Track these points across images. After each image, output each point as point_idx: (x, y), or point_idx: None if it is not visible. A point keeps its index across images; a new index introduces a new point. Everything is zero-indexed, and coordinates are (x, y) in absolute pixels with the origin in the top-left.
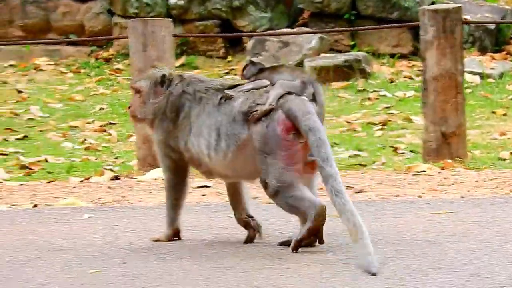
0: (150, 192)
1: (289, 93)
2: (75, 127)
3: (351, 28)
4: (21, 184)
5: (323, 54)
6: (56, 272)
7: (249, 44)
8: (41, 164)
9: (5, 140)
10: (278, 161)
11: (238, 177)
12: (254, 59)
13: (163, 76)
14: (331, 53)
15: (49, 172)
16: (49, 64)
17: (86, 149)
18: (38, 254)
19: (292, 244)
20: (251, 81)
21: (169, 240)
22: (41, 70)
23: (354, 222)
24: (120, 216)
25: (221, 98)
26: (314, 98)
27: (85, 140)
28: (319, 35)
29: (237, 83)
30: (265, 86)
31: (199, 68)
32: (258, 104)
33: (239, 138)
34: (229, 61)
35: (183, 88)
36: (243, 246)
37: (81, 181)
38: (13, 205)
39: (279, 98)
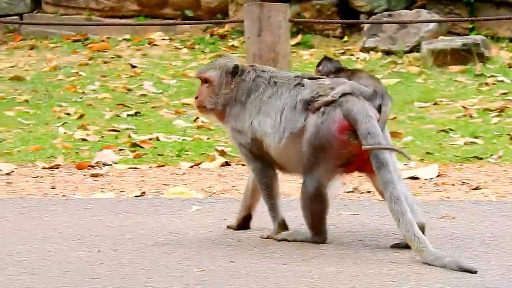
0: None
1: (354, 95)
2: (188, 104)
3: (467, 18)
4: (130, 168)
5: (441, 37)
6: (160, 269)
7: (366, 25)
8: (152, 142)
9: (117, 116)
10: (326, 159)
11: (286, 166)
12: (371, 40)
13: (236, 66)
14: (449, 36)
15: (159, 155)
16: (163, 39)
17: (198, 127)
18: (142, 248)
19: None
20: (329, 78)
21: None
22: (156, 45)
23: (413, 232)
24: (230, 209)
25: (295, 85)
26: (379, 110)
27: (198, 118)
28: (437, 17)
29: (317, 77)
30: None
31: (315, 47)
32: (320, 95)
33: (295, 127)
34: (345, 41)
35: (258, 74)
36: (353, 248)
37: (191, 167)
38: (121, 191)
39: (343, 95)
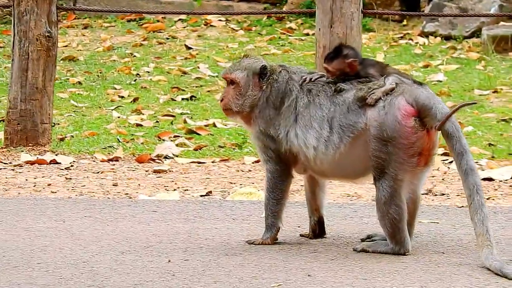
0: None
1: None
2: None
3: None
4: (193, 162)
5: (502, 23)
6: (233, 282)
7: (427, 8)
8: (209, 129)
9: (172, 99)
10: (396, 151)
11: (342, 174)
12: (431, 24)
13: (264, 67)
14: (510, 21)
15: (220, 147)
16: (220, 20)
17: None
18: (214, 258)
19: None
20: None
21: (273, 243)
22: (212, 26)
23: (487, 227)
24: (304, 213)
25: (334, 90)
26: None
27: None
28: (499, 2)
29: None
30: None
31: (374, 31)
32: (375, 88)
33: (355, 128)
34: (404, 25)
35: (290, 76)
36: (436, 261)
37: (255, 162)
38: (185, 190)
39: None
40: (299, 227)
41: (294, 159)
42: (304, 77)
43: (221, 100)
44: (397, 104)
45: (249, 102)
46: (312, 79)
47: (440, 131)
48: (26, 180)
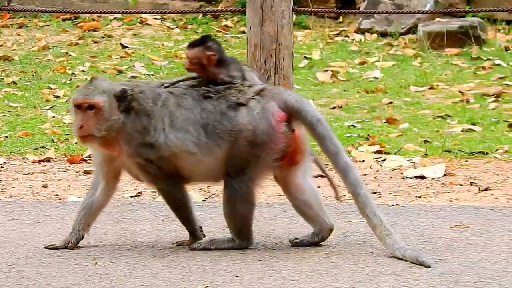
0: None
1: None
2: None
3: None
4: None
5: (437, 19)
6: (161, 284)
7: (362, 5)
8: None
9: None
10: (267, 154)
11: (207, 176)
12: (366, 21)
13: (124, 90)
14: (446, 18)
15: None
16: (155, 19)
17: None
18: (141, 260)
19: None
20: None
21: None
22: (147, 24)
23: (380, 217)
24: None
25: (202, 96)
26: None
27: None
28: None
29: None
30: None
31: (310, 28)
32: (244, 89)
33: (231, 133)
34: (340, 22)
35: (150, 88)
36: (366, 261)
37: None
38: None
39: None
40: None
41: (174, 163)
42: (165, 85)
43: (80, 127)
44: (270, 109)
45: (114, 125)
46: (173, 83)
47: (313, 135)
48: None
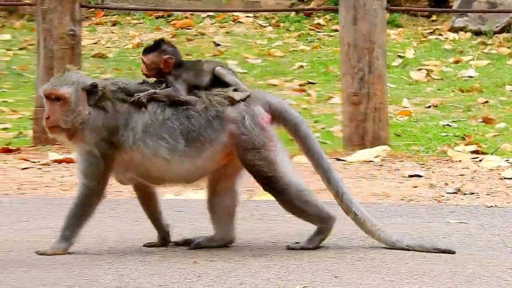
0: (360, 180)
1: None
2: (274, 85)
3: None
4: None
5: None
6: (260, 284)
7: (455, 3)
8: None
9: None
10: (270, 151)
11: (182, 181)
12: (460, 20)
13: (94, 84)
14: None
15: None
16: (248, 17)
17: None
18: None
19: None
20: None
21: (63, 254)
22: (240, 22)
23: (364, 213)
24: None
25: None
26: None
27: None
28: None
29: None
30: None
31: (403, 27)
32: (229, 96)
33: (215, 143)
34: (433, 20)
35: (122, 88)
36: (464, 263)
37: None
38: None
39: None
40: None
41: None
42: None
43: (47, 118)
44: (258, 113)
45: (81, 118)
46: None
47: (296, 135)
48: None
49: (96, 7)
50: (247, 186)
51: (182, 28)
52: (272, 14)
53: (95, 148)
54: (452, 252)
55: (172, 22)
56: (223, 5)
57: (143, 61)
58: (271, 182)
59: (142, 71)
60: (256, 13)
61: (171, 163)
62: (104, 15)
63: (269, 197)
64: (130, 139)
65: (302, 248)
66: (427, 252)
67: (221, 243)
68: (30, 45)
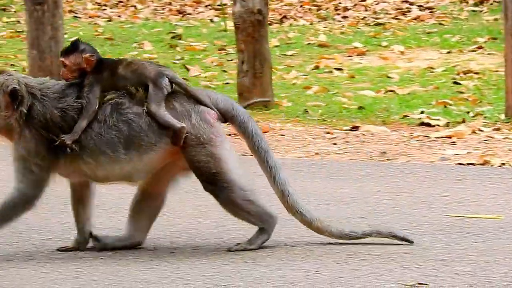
0: None
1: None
2: None
3: None
4: None
5: None
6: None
7: None
8: None
9: None
10: (217, 147)
11: (127, 180)
12: None
13: (14, 90)
14: None
15: None
16: None
17: None
18: None
19: None
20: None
21: None
22: None
23: (310, 211)
24: None
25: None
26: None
27: None
28: None
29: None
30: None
31: None
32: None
33: (158, 146)
34: None
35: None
36: None
37: None
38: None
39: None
40: None
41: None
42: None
43: None
44: (204, 110)
45: (8, 120)
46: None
47: (243, 133)
48: None
49: None
50: None
51: None
52: None
53: (31, 153)
54: (411, 242)
55: None
56: None
57: (64, 64)
58: (214, 179)
59: (62, 75)
60: None
61: (114, 169)
62: None
63: None
64: (68, 149)
65: (245, 249)
66: (384, 238)
67: (127, 243)
68: None
